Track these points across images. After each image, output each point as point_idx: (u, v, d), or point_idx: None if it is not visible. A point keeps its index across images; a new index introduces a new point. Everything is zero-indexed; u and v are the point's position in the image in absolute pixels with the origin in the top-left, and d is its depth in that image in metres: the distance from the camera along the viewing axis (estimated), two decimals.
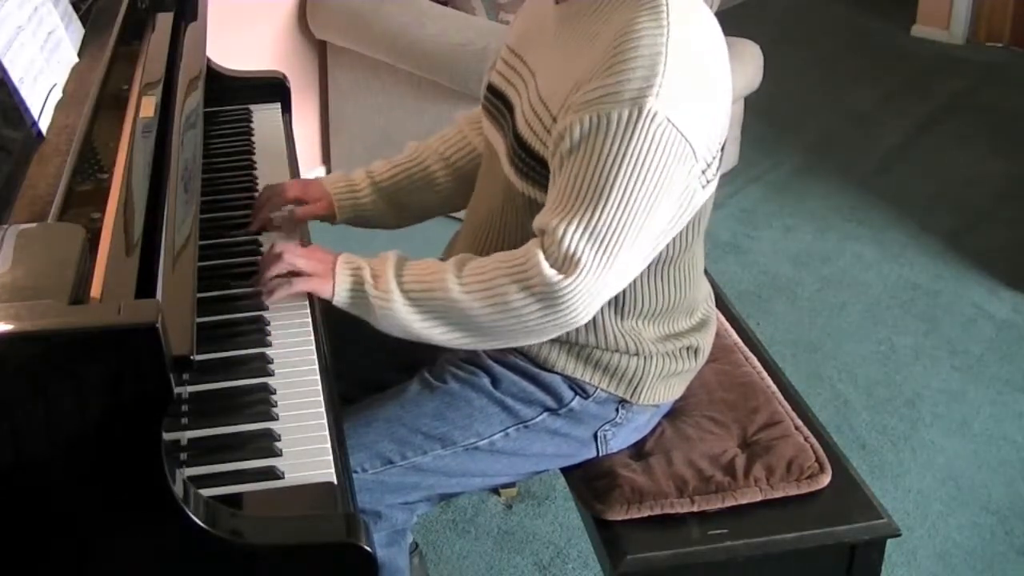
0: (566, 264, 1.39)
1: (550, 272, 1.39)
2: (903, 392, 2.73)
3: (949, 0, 5.01)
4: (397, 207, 1.79)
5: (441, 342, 1.48)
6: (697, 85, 1.39)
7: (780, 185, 3.78)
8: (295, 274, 1.50)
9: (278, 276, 1.50)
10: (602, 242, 1.38)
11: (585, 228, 1.37)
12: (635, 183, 1.36)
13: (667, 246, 1.50)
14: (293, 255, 1.50)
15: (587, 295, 1.40)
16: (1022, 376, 2.80)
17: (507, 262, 1.43)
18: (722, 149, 1.49)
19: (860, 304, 3.10)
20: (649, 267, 1.51)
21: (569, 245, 1.38)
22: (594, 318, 1.52)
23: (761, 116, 4.02)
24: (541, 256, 1.39)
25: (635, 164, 1.35)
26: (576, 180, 1.38)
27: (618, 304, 1.53)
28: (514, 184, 1.52)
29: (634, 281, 1.51)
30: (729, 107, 1.49)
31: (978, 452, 2.53)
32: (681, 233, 1.51)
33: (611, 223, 1.37)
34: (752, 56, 3.59)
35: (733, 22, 4.46)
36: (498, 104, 1.59)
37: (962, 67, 4.79)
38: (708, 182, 1.47)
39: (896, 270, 3.27)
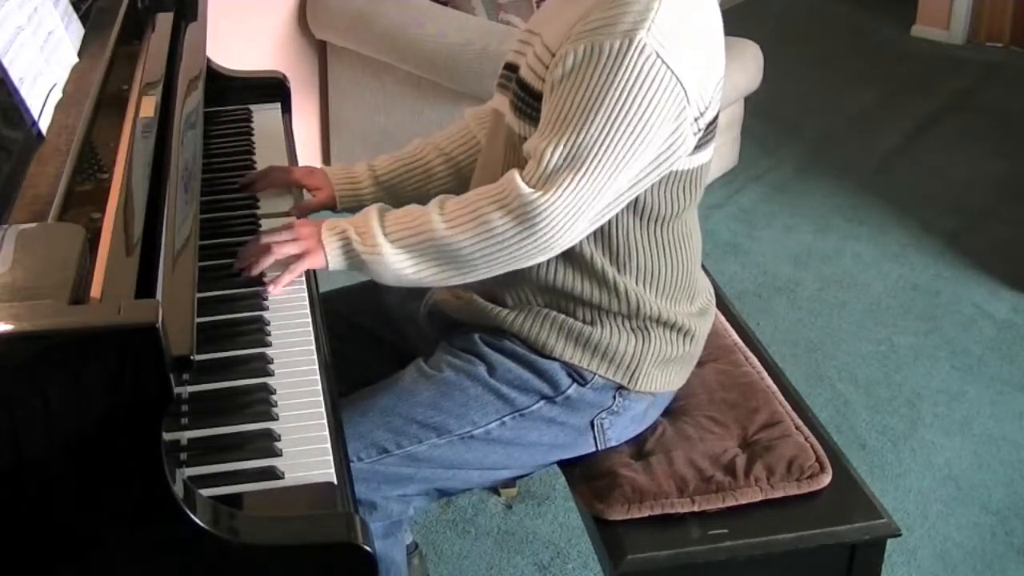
0: (542, 181, 1.43)
1: (526, 190, 1.43)
2: (903, 392, 2.73)
3: (949, 0, 5.01)
4: (396, 200, 1.81)
5: (434, 282, 1.52)
6: (689, 31, 1.44)
7: (780, 185, 3.78)
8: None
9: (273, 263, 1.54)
10: (581, 163, 1.42)
11: (565, 148, 1.42)
12: (620, 112, 1.41)
13: (659, 202, 1.53)
14: (280, 245, 1.53)
15: (563, 214, 1.43)
16: (1022, 376, 2.80)
17: (486, 190, 1.48)
18: (716, 115, 1.53)
19: (860, 304, 3.10)
20: (640, 221, 1.54)
21: (548, 163, 1.43)
22: (596, 271, 1.54)
23: (761, 116, 4.02)
24: (517, 175, 1.44)
25: (621, 93, 1.40)
26: (563, 105, 1.43)
27: (613, 255, 1.55)
28: (513, 128, 1.55)
29: (625, 234, 1.54)
30: (722, 63, 1.53)
31: (978, 452, 2.53)
32: (675, 192, 1.53)
33: (591, 146, 1.41)
34: (752, 56, 3.58)
35: (733, 22, 4.45)
36: (508, 74, 1.63)
37: (962, 67, 4.79)
38: (700, 131, 1.50)
39: (896, 270, 3.27)
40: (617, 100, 1.40)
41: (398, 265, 1.49)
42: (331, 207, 1.81)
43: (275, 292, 1.53)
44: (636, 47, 1.39)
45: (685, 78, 1.42)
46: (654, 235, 1.56)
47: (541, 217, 1.43)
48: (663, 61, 1.40)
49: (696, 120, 1.47)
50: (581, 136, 1.41)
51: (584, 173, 1.42)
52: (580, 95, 1.42)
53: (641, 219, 1.54)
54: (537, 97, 1.50)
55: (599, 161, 1.42)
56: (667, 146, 1.46)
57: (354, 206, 1.80)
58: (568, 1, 1.54)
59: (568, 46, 1.44)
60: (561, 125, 1.42)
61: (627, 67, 1.40)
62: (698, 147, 1.51)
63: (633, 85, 1.40)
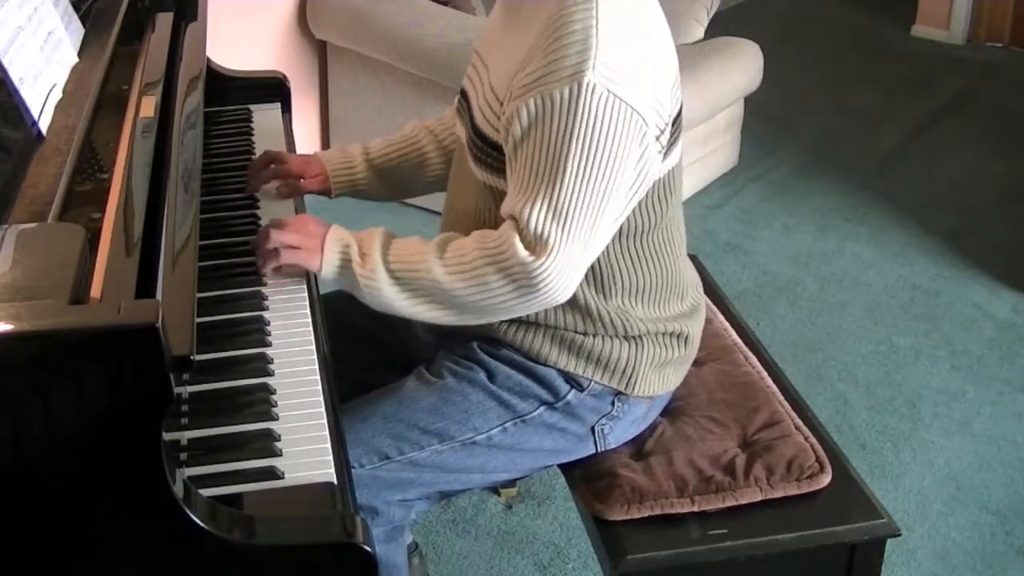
0: (536, 245, 1.42)
1: (524, 255, 1.42)
2: (903, 392, 2.73)
3: (949, 0, 5.02)
4: (389, 183, 1.84)
5: (424, 319, 1.52)
6: (633, 53, 1.42)
7: (780, 185, 3.78)
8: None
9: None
10: (566, 219, 1.41)
11: (548, 208, 1.41)
12: (588, 157, 1.39)
13: (637, 218, 1.52)
14: (281, 234, 1.53)
15: (561, 272, 1.43)
16: (1022, 376, 2.80)
17: (485, 245, 1.46)
18: (677, 118, 1.52)
19: (860, 304, 3.10)
20: (620, 240, 1.53)
21: (536, 226, 1.41)
22: (579, 303, 1.54)
23: (761, 116, 4.02)
24: (516, 240, 1.43)
25: (584, 138, 1.39)
26: (532, 163, 1.42)
27: (598, 283, 1.55)
28: (476, 175, 1.55)
29: (608, 258, 1.53)
30: (674, 71, 1.52)
31: (978, 452, 2.53)
32: (650, 205, 1.53)
33: (571, 199, 1.40)
34: (752, 56, 3.59)
35: (733, 22, 4.47)
36: (463, 102, 1.63)
37: (962, 67, 4.79)
38: (663, 148, 1.49)
39: (896, 270, 3.27)
40: (582, 147, 1.39)
41: (391, 296, 1.49)
42: (325, 193, 1.82)
43: (261, 271, 1.54)
44: (587, 90, 1.37)
45: (640, 105, 1.41)
46: (638, 250, 1.56)
47: (541, 280, 1.43)
48: (616, 96, 1.38)
49: (658, 138, 1.46)
50: (556, 192, 1.40)
51: (570, 227, 1.41)
52: (545, 151, 1.40)
53: (623, 238, 1.53)
54: (493, 146, 1.50)
55: (581, 210, 1.41)
56: (637, 172, 1.45)
57: (348, 189, 1.83)
58: (509, 31, 1.52)
59: (517, 102, 1.41)
60: (534, 185, 1.41)
61: (583, 112, 1.38)
62: (666, 153, 1.50)
63: (593, 128, 1.38)
